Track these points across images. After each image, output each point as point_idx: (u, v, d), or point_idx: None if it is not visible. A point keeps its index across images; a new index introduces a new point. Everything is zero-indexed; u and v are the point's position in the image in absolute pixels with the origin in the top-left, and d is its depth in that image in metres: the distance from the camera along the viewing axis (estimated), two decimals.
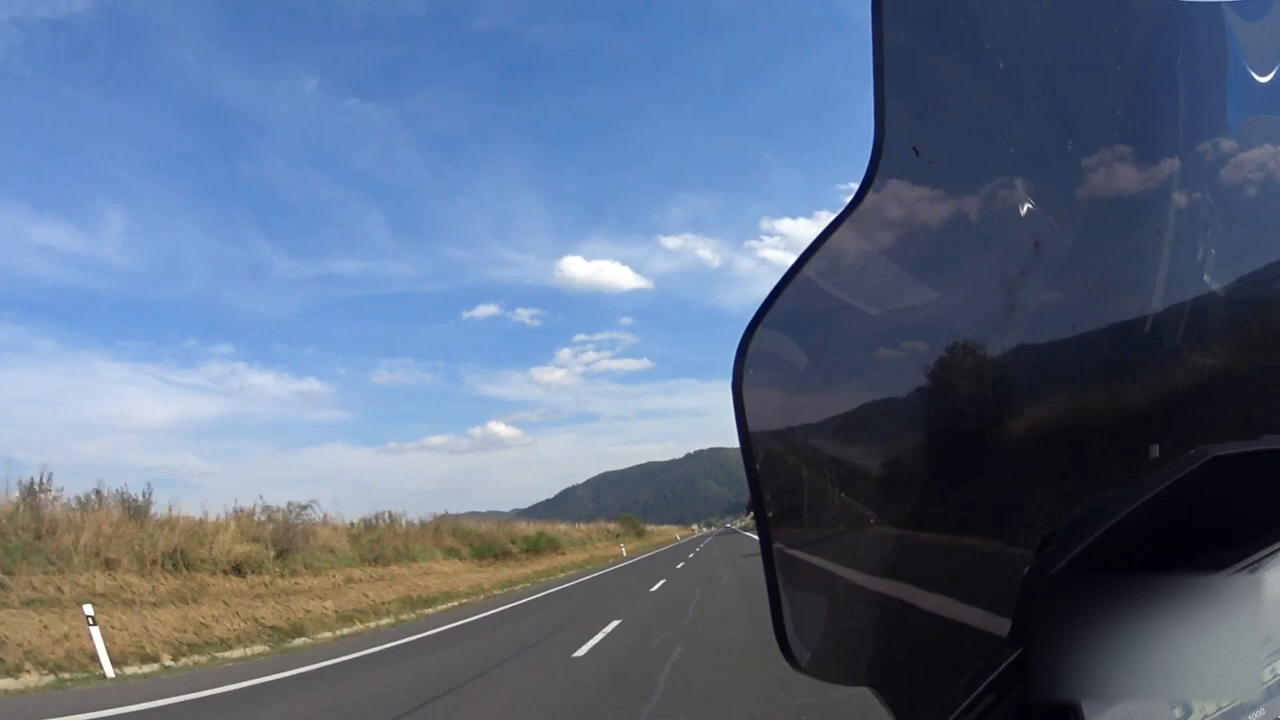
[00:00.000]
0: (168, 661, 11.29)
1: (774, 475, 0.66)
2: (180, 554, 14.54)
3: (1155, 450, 0.67)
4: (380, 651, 11.55)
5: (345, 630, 15.28)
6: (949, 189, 0.68)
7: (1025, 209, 0.67)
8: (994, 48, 0.68)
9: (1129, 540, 0.58)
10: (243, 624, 13.64)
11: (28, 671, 9.47)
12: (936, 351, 0.69)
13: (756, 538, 0.65)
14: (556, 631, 11.67)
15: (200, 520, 16.47)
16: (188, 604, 13.31)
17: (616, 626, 11.01)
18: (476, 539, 30.26)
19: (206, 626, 12.88)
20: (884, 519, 0.68)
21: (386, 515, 25.74)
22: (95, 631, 10.42)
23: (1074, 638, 0.55)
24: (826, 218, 0.66)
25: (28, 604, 10.76)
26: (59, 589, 11.49)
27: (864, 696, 0.68)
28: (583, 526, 54.84)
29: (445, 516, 30.25)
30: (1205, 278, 0.70)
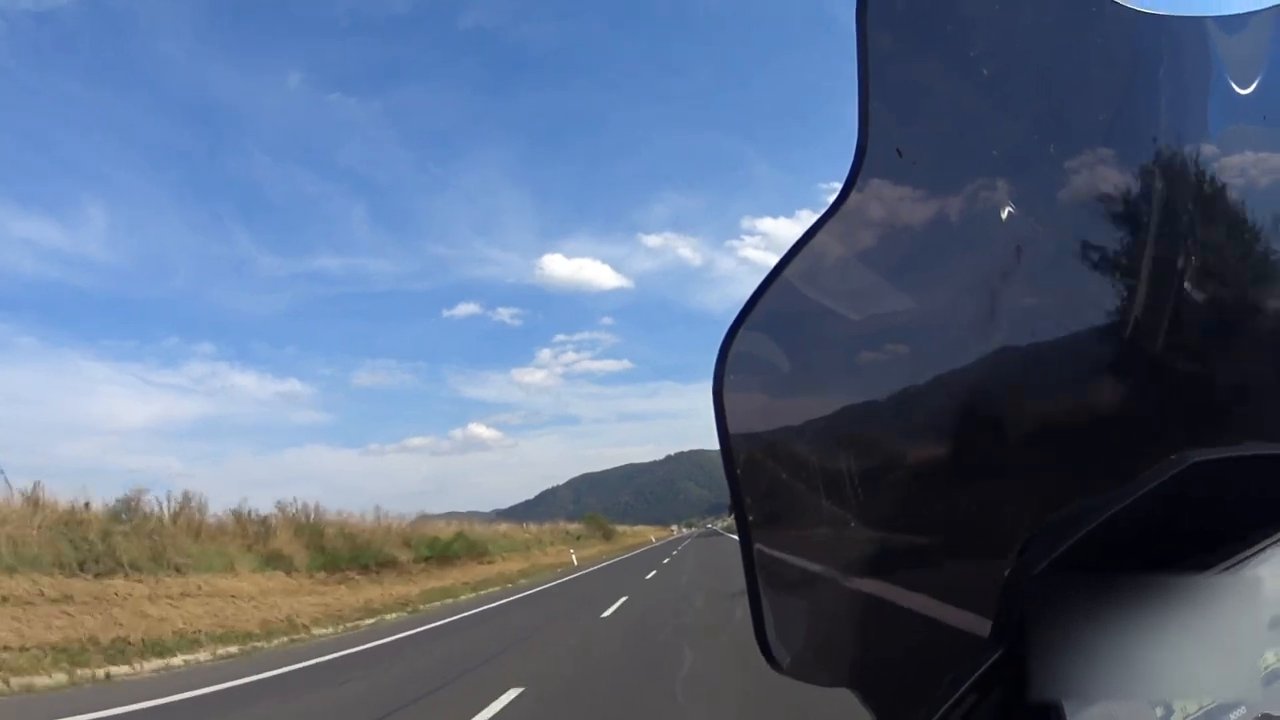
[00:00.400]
0: None
1: (754, 477, 0.66)
2: None
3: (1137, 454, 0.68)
4: None
5: None
6: (932, 191, 0.68)
7: (1007, 213, 0.68)
8: (978, 53, 0.68)
9: (1111, 543, 0.58)
10: None
11: None
12: (918, 354, 0.69)
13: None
14: None
15: None
16: None
17: None
18: (338, 542, 20.86)
19: None
20: (865, 521, 0.68)
21: (158, 499, 16.18)
22: None
23: (1056, 638, 0.55)
24: (808, 217, 0.66)
25: None
26: None
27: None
28: (533, 528, 45.18)
29: (299, 512, 20.97)
30: (1186, 284, 0.71)
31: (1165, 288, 0.70)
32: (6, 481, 13.53)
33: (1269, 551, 0.60)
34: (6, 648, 9.08)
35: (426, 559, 24.42)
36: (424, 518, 30.64)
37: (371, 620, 15.44)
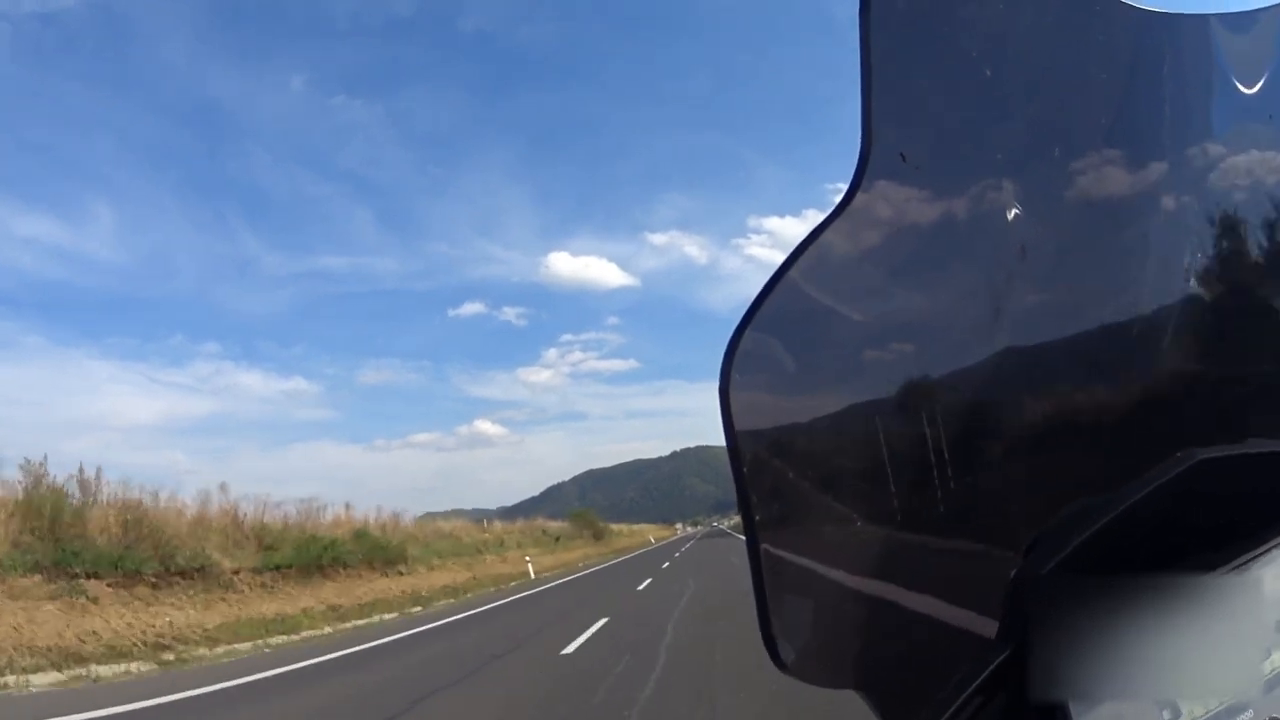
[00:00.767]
0: None
1: (761, 476, 0.66)
2: None
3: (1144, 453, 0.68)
4: None
5: None
6: (936, 193, 0.69)
7: (1012, 213, 0.68)
8: (980, 54, 0.68)
9: (1117, 542, 0.58)
10: None
11: None
12: (924, 354, 0.69)
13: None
14: None
15: None
16: None
17: None
18: (107, 533, 13.10)
19: None
20: (871, 521, 0.68)
21: None
22: None
23: (1062, 638, 0.55)
24: (814, 216, 0.66)
25: None
26: None
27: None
28: (500, 526, 36.65)
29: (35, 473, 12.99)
30: (1191, 283, 0.71)
31: (1170, 286, 0.70)
32: None
33: (1276, 551, 0.60)
34: None
35: (278, 568, 16.07)
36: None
37: None
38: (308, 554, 17.32)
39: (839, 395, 0.70)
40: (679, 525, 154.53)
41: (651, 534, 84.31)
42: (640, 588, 17.62)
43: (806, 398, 0.69)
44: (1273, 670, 0.60)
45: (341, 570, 18.35)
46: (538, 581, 24.55)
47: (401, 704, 6.43)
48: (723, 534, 60.82)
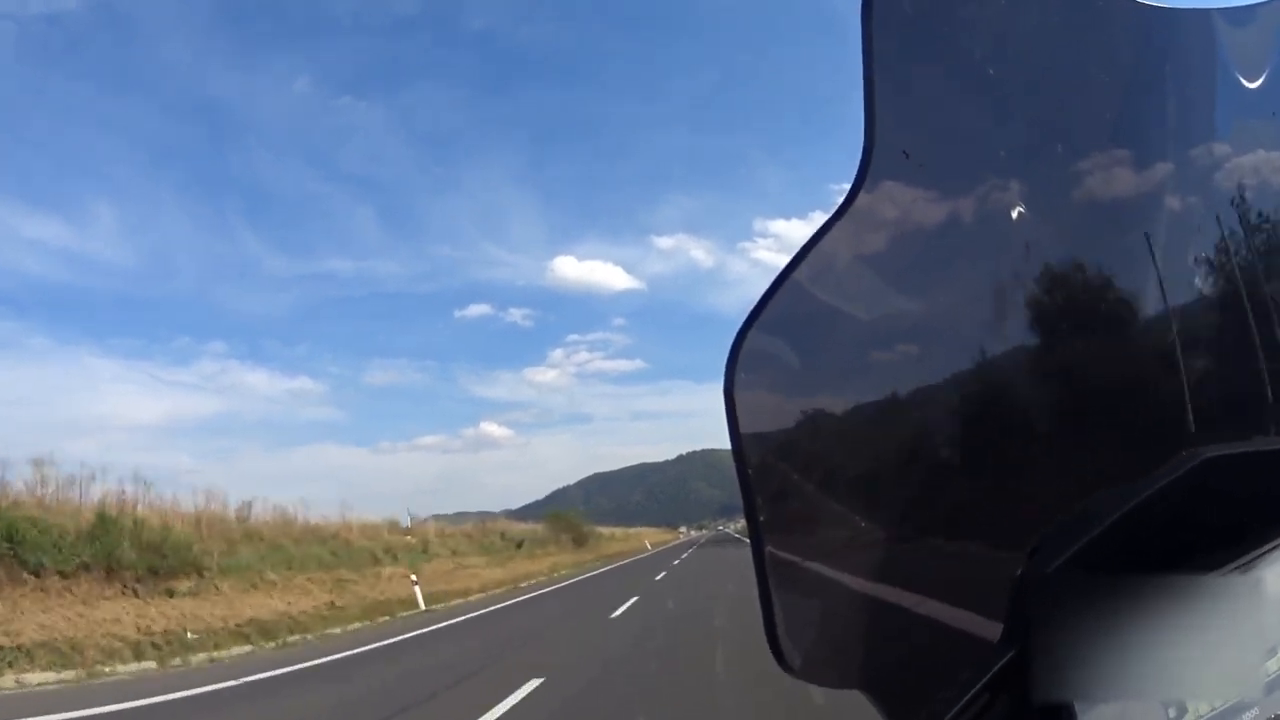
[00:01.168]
0: None
1: (766, 478, 0.66)
2: None
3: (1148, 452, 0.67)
4: None
5: None
6: (940, 192, 0.68)
7: (1016, 212, 0.67)
8: (982, 53, 0.68)
9: (1122, 541, 0.58)
10: None
11: None
12: (928, 355, 0.69)
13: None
14: None
15: None
16: None
17: None
18: None
19: None
20: (876, 522, 0.68)
21: None
22: None
23: (1068, 638, 0.55)
24: (820, 218, 0.66)
25: None
26: None
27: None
28: (433, 526, 28.30)
29: None
30: (1196, 279, 0.71)
31: (1175, 283, 0.70)
32: None
33: None
34: None
35: None
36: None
37: None
38: None
39: (843, 396, 0.70)
40: (683, 529, 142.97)
41: (649, 539, 72.32)
42: (614, 615, 12.28)
43: (812, 398, 0.69)
44: (1277, 669, 0.59)
45: (32, 579, 11.00)
46: (435, 616, 15.83)
47: None
48: (730, 540, 49.70)
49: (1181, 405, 0.70)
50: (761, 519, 0.64)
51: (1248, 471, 0.60)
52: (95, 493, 14.03)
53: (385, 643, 11.95)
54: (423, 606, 17.44)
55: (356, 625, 14.75)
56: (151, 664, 10.49)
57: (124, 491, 14.59)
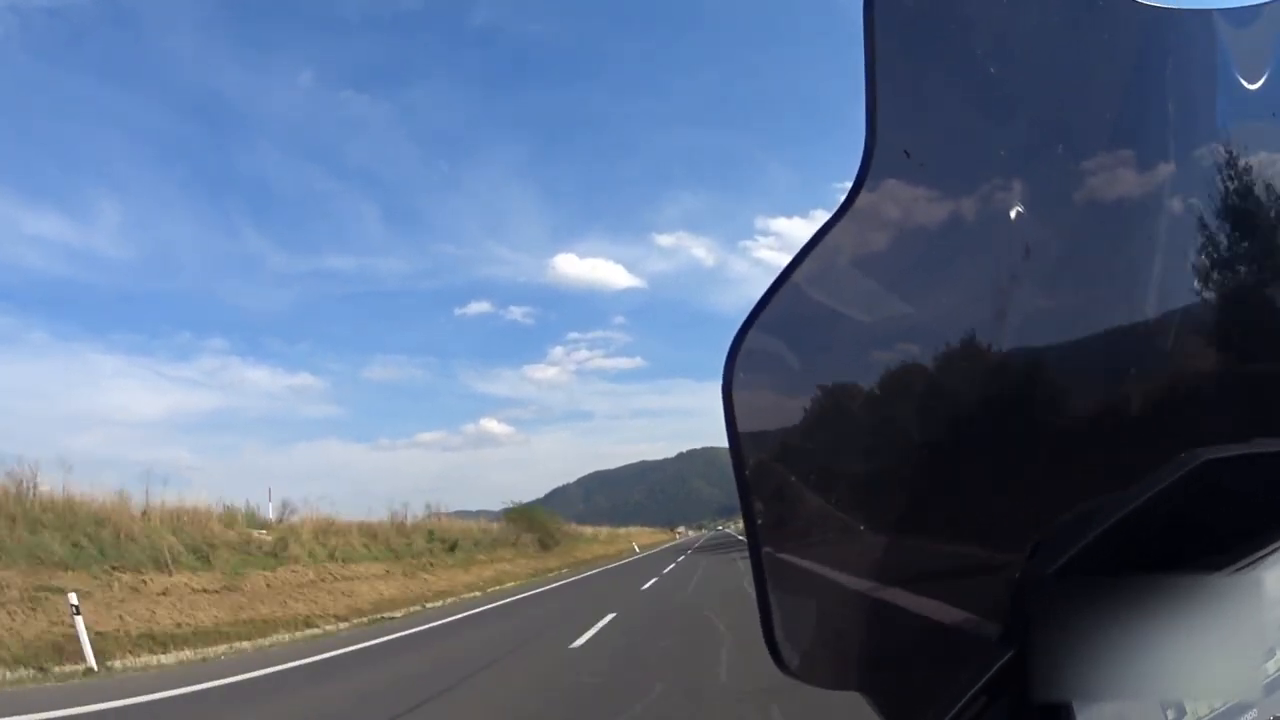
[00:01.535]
0: None
1: (764, 478, 0.66)
2: None
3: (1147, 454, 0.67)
4: None
5: None
6: (941, 192, 0.68)
7: (1016, 213, 0.67)
8: (984, 53, 0.68)
9: (1121, 543, 0.58)
10: None
11: None
12: (927, 355, 0.69)
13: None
14: None
15: None
16: None
17: None
18: None
19: None
20: (874, 523, 0.68)
21: None
22: None
23: (1068, 639, 0.55)
24: (822, 216, 0.66)
25: None
26: None
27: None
28: (301, 517, 20.14)
29: None
30: (1196, 282, 0.71)
31: (1175, 284, 0.70)
32: None
33: None
34: None
35: None
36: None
37: None
38: None
39: (843, 396, 0.70)
40: (681, 529, 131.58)
41: (640, 540, 62.29)
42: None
43: (811, 398, 0.69)
44: (1277, 670, 0.59)
45: None
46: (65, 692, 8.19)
47: None
48: (734, 543, 37.36)
49: (1182, 406, 0.70)
50: (759, 519, 0.64)
51: (1248, 473, 0.60)
52: None
53: None
54: (90, 663, 9.71)
55: None
56: None
57: None
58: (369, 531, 22.52)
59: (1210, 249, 0.72)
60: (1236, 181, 0.73)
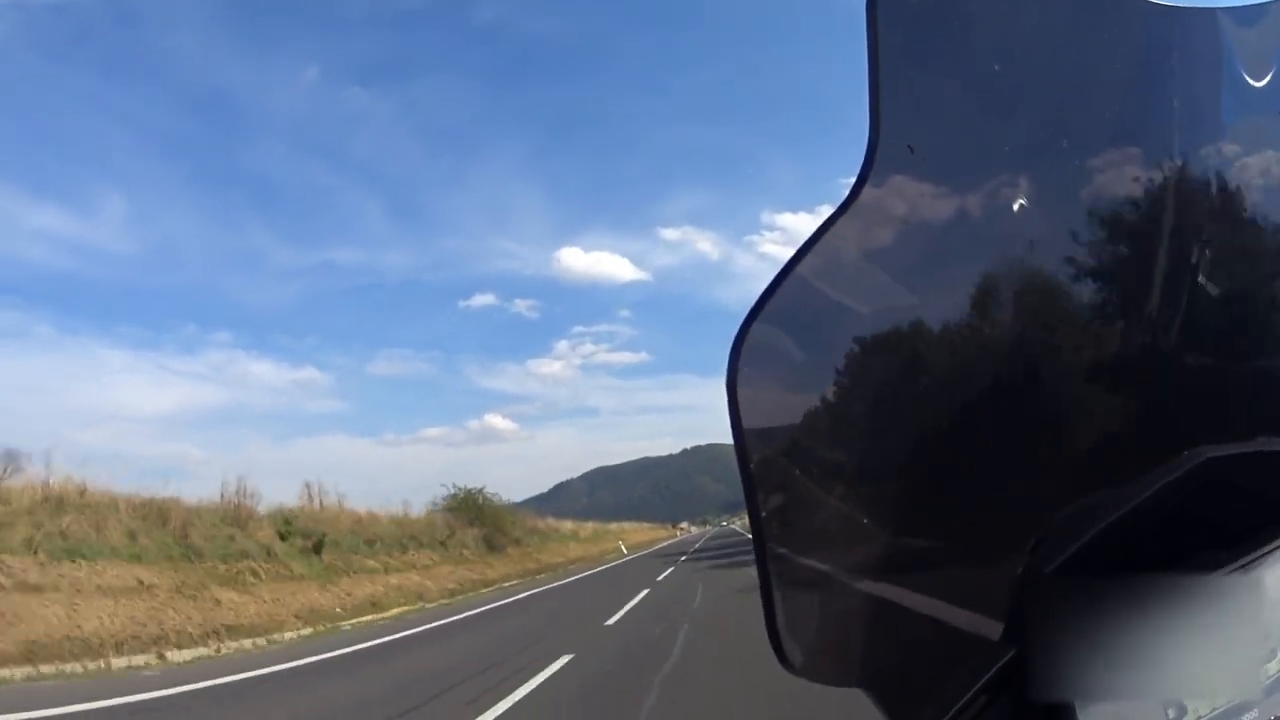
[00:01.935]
0: None
1: (768, 473, 0.66)
2: None
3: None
4: None
5: None
6: (944, 188, 0.68)
7: (1019, 209, 0.67)
8: (988, 48, 0.68)
9: (1123, 541, 0.58)
10: None
11: None
12: (931, 350, 0.69)
13: None
14: None
15: None
16: None
17: None
18: None
19: None
20: (877, 520, 0.68)
21: None
22: None
23: (1068, 638, 0.55)
24: (827, 212, 0.66)
25: None
26: None
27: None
28: (115, 497, 12.70)
29: None
30: (1200, 279, 0.71)
31: (1178, 283, 0.70)
32: None
33: None
34: None
35: None
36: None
37: None
38: None
39: (847, 390, 0.70)
40: (684, 525, 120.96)
41: (632, 537, 52.83)
42: None
43: (815, 393, 0.69)
44: (1278, 670, 0.59)
45: None
46: None
47: None
48: (742, 543, 27.84)
49: (1184, 404, 0.70)
50: (763, 514, 0.64)
51: (1249, 472, 0.60)
52: None
53: None
54: None
55: None
56: None
57: None
58: (136, 507, 13.49)
59: (1215, 245, 0.72)
60: (1241, 179, 0.73)
